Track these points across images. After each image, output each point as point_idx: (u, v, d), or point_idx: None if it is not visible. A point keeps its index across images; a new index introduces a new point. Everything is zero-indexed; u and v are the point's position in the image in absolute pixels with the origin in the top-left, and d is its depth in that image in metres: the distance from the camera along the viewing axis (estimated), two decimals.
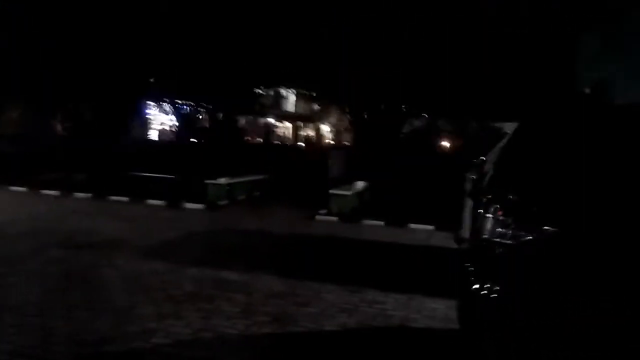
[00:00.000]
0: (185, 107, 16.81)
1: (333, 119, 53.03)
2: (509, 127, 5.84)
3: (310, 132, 48.29)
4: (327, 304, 5.04)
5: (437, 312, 4.89)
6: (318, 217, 10.38)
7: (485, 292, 3.33)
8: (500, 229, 3.43)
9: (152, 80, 18.81)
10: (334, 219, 10.25)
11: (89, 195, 11.83)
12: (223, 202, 11.62)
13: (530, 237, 3.23)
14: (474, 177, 5.86)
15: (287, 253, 7.34)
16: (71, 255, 6.55)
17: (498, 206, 3.51)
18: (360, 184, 12.19)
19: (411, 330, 4.46)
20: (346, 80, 15.17)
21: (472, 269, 3.84)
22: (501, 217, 3.44)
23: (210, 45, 15.43)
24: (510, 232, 3.33)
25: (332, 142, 43.13)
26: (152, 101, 25.97)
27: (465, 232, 5.80)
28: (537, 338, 3.14)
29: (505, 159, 4.49)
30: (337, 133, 49.11)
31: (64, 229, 8.15)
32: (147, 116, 31.23)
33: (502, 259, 3.38)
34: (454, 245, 8.26)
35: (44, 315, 4.47)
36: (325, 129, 50.97)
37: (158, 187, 12.35)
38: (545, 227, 3.28)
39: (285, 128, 47.26)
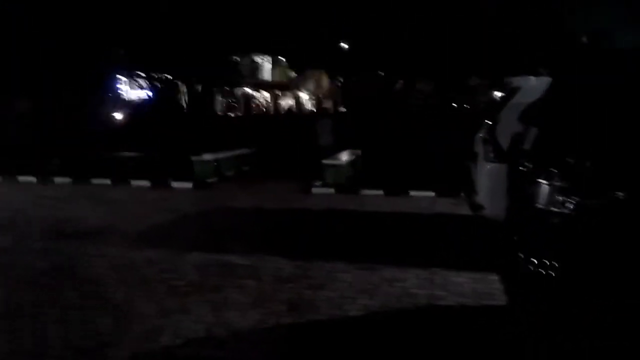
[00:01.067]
0: (160, 79, 15.93)
1: (311, 87, 52.18)
2: (523, 83, 5.44)
3: (289, 101, 47.43)
4: (344, 285, 4.67)
5: (464, 287, 4.56)
6: (314, 190, 9.96)
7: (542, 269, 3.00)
8: (558, 197, 3.08)
9: (121, 52, 17.82)
10: (331, 190, 9.85)
11: (69, 180, 11.16)
12: (212, 180, 11.09)
13: (598, 205, 2.88)
14: (487, 137, 5.48)
15: (290, 231, 6.93)
16: (58, 247, 6.03)
17: (555, 171, 3.15)
18: (352, 152, 11.77)
19: (442, 310, 4.13)
20: (333, 44, 14.52)
21: (522, 242, 3.51)
22: (559, 184, 3.07)
23: (182, 10, 14.54)
24: (572, 200, 2.98)
25: (313, 110, 42.38)
26: (124, 75, 24.89)
27: (484, 198, 5.45)
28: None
29: (552, 120, 4.09)
30: (317, 101, 48.37)
31: (46, 218, 7.59)
32: (119, 91, 30.07)
33: (563, 229, 3.03)
34: (463, 212, 7.99)
35: (34, 317, 4.01)
36: (304, 96, 50.11)
37: (141, 166, 11.72)
38: (617, 193, 2.91)
39: (263, 97, 46.26)
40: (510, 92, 5.59)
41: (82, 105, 16.17)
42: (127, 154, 12.24)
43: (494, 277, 4.77)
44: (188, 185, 10.59)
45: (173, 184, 10.64)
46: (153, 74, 15.85)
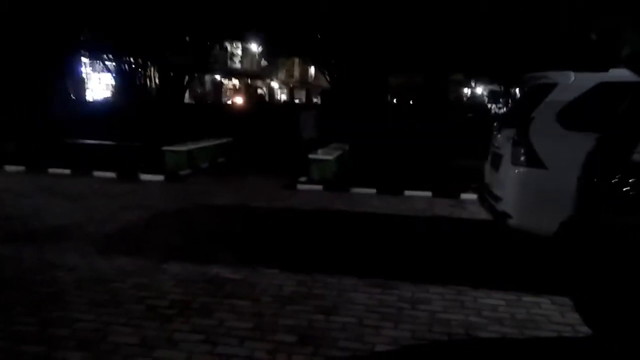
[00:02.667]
0: (126, 64, 14.68)
1: (283, 76, 51.05)
2: (561, 79, 4.81)
3: (260, 90, 46.24)
4: (360, 307, 3.94)
5: (500, 312, 3.91)
6: (299, 186, 9.18)
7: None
8: None
9: (86, 33, 16.45)
10: (318, 187, 9.09)
11: (22, 168, 9.99)
12: (185, 172, 10.15)
13: None
14: (517, 139, 4.83)
15: (281, 235, 6.14)
16: (7, 252, 5.06)
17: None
18: (338, 147, 11.05)
19: (486, 344, 3.46)
20: (322, 34, 13.68)
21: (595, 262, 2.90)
22: None
23: None
24: None
25: (285, 100, 41.39)
26: (88, 58, 23.27)
27: (512, 207, 4.81)
28: None
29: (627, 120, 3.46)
30: (289, 90, 47.31)
31: None
32: (82, 75, 28.27)
33: None
34: (465, 215, 7.39)
35: None
36: (275, 86, 48.98)
37: (105, 156, 10.66)
38: None
39: (233, 86, 44.94)
40: (541, 89, 4.95)
41: (41, 89, 14.81)
42: (89, 141, 11.14)
43: (530, 300, 4.15)
44: (159, 177, 9.62)
45: (142, 176, 9.64)
46: (121, 57, 14.56)
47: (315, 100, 40.95)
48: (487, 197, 5.60)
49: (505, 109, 42.93)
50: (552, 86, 4.78)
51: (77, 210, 6.98)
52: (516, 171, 4.78)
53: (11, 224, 6.15)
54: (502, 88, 46.40)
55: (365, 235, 6.13)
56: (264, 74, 47.31)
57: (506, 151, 5.06)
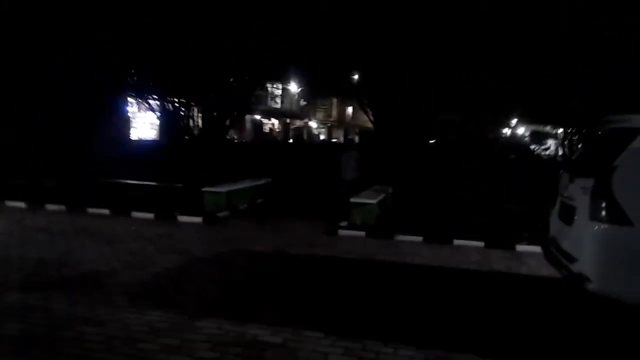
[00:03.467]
0: (171, 104, 14.83)
1: (320, 116, 51.49)
2: None
3: (300, 129, 46.62)
4: None
5: None
6: (341, 232, 8.72)
7: None
8: None
9: (132, 73, 16.87)
10: (361, 233, 8.60)
11: (63, 207, 9.95)
12: (223, 214, 9.87)
13: None
14: (598, 191, 4.26)
15: (323, 289, 5.65)
16: (37, 302, 4.77)
17: None
18: (380, 190, 10.60)
19: None
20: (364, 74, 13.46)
21: None
22: None
23: (196, 33, 13.55)
24: None
25: (323, 139, 41.45)
26: (133, 98, 23.92)
27: (593, 269, 4.20)
28: None
29: None
30: (327, 130, 47.49)
31: (29, 258, 6.34)
32: (127, 114, 29.08)
33: None
34: (524, 271, 6.70)
35: None
36: (313, 125, 49.34)
37: (145, 196, 10.55)
38: None
39: (272, 125, 45.52)
40: (621, 134, 4.41)
41: (87, 128, 15.12)
42: (130, 181, 11.09)
43: None
44: (197, 219, 9.36)
45: (180, 218, 9.41)
46: (165, 98, 14.73)
47: (350, 138, 40.77)
48: (556, 254, 4.99)
49: (557, 151, 41.60)
50: (636, 131, 4.23)
51: (113, 254, 6.73)
52: (596, 228, 4.19)
53: (45, 269, 5.92)
54: (554, 129, 45.09)
55: (418, 293, 5.57)
56: (303, 114, 47.83)
57: (582, 204, 4.49)
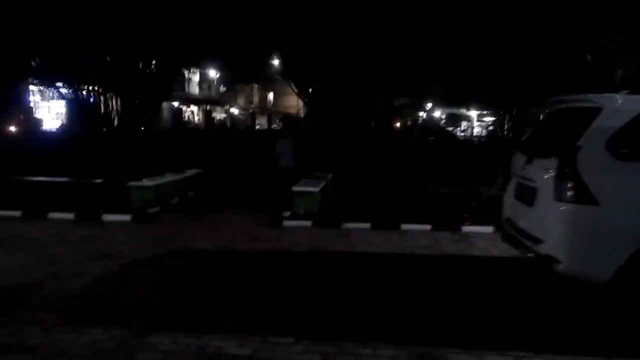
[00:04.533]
0: (79, 91, 13.48)
1: (242, 102, 50.30)
2: (605, 102, 4.28)
3: (220, 116, 45.31)
4: None
5: None
6: (285, 223, 8.34)
7: None
8: None
9: (34, 60, 15.18)
10: (306, 223, 8.28)
11: None
12: (153, 210, 9.10)
13: None
14: (563, 171, 4.23)
15: (281, 287, 5.26)
16: None
17: None
18: (319, 176, 10.34)
19: None
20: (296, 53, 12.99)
21: None
22: None
23: (108, 14, 12.37)
24: None
25: (248, 126, 40.49)
26: (36, 85, 21.76)
27: (561, 250, 4.17)
28: None
29: None
30: (250, 116, 46.53)
31: None
32: (30, 104, 26.46)
33: None
34: (476, 252, 6.72)
35: None
36: (235, 112, 48.11)
37: (61, 194, 9.47)
38: None
39: (191, 112, 43.80)
40: (579, 114, 4.41)
41: None
42: (41, 178, 9.92)
43: None
44: (125, 217, 8.53)
45: (105, 217, 8.53)
46: (78, 85, 13.35)
47: (274, 125, 40.22)
48: (516, 235, 4.98)
49: (471, 132, 43.70)
50: (596, 111, 4.23)
51: (33, 263, 5.87)
52: (563, 208, 4.17)
53: None
54: (468, 111, 47.30)
55: (380, 284, 5.35)
56: (223, 100, 46.46)
57: (544, 184, 4.45)
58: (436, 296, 4.94)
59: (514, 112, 10.89)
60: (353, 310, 4.54)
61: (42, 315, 4.28)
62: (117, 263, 5.96)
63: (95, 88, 12.30)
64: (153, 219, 8.67)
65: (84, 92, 12.37)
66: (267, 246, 6.92)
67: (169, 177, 10.34)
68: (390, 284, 5.34)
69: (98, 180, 9.86)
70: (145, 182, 9.47)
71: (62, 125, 23.92)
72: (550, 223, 4.28)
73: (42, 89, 20.87)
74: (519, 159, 5.26)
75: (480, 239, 7.39)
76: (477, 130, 45.19)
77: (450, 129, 42.86)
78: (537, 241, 4.46)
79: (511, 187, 5.47)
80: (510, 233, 5.22)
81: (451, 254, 6.54)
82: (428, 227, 7.92)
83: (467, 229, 7.90)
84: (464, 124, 47.80)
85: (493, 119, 42.91)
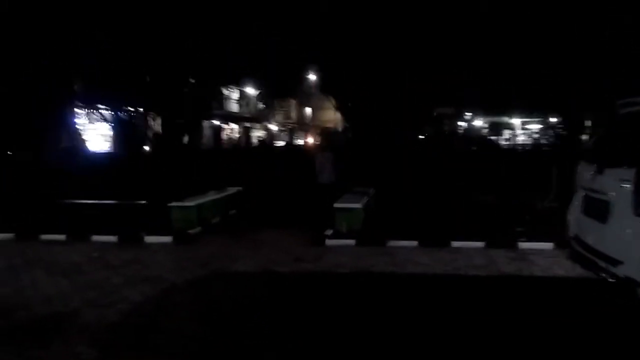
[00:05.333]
0: (126, 113, 13.72)
1: (280, 118, 50.67)
2: None
3: (259, 133, 45.72)
4: None
5: None
6: (328, 242, 8.01)
7: None
8: None
9: (77, 84, 15.65)
10: (350, 241, 7.92)
11: (11, 235, 8.76)
12: (195, 230, 8.96)
13: None
14: None
15: (325, 314, 4.91)
16: None
17: None
18: (362, 192, 9.97)
19: None
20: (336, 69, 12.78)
21: None
22: None
23: (146, 36, 12.54)
24: None
25: (284, 142, 40.65)
26: (81, 108, 22.47)
27: None
28: None
29: None
30: (289, 133, 46.74)
31: None
32: (76, 127, 27.34)
33: None
34: (539, 272, 6.12)
35: None
36: (273, 129, 48.47)
37: (105, 216, 9.49)
38: None
39: (230, 130, 44.37)
40: None
41: (32, 143, 13.83)
42: (86, 201, 10.00)
43: None
44: (166, 239, 8.41)
45: (147, 239, 8.44)
46: (119, 107, 13.61)
47: (331, 136, 40.08)
48: (587, 255, 4.46)
49: (514, 140, 42.28)
50: None
51: (72, 289, 5.77)
52: None
53: None
54: (511, 119, 45.81)
55: (433, 310, 4.92)
56: (262, 117, 46.86)
57: (620, 198, 3.96)
58: (499, 325, 4.46)
59: (566, 117, 10.19)
60: (407, 342, 4.13)
61: (77, 348, 4.09)
62: (157, 288, 5.78)
63: (136, 109, 12.46)
64: (194, 240, 8.53)
65: (125, 114, 12.53)
66: (309, 267, 6.60)
67: (210, 197, 10.22)
68: (444, 311, 4.90)
69: (141, 202, 9.84)
70: (187, 202, 9.37)
71: (110, 147, 24.59)
72: (630, 242, 3.78)
73: (87, 111, 21.45)
74: (585, 170, 4.76)
75: (540, 256, 6.82)
76: (521, 139, 43.64)
77: (493, 138, 41.60)
78: (615, 262, 3.96)
79: (577, 201, 4.96)
80: (580, 252, 4.70)
81: (509, 275, 6.03)
82: (481, 244, 7.40)
83: (524, 245, 7.34)
84: (507, 133, 46.26)
85: (540, 126, 41.42)
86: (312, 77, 40.55)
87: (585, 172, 4.74)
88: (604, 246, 4.20)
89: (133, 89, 12.47)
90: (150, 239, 8.41)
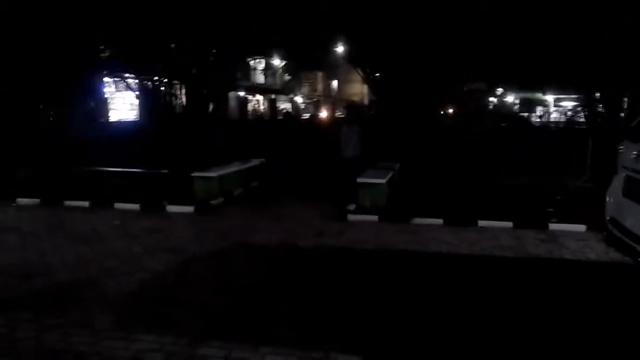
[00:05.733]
0: (150, 81, 13.62)
1: (306, 90, 50.21)
2: None
3: (284, 105, 45.48)
4: None
5: None
6: (350, 217, 7.84)
7: None
8: None
9: (106, 52, 15.58)
10: (373, 217, 7.73)
11: (36, 200, 8.89)
12: (217, 201, 8.91)
13: None
14: None
15: (346, 290, 4.77)
16: None
17: None
18: (386, 167, 9.72)
19: None
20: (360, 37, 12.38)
21: None
22: None
23: (172, 5, 12.32)
24: None
25: (310, 115, 40.31)
26: (110, 77, 22.56)
27: None
28: None
29: None
30: (315, 105, 46.37)
31: None
32: (104, 95, 27.58)
33: None
34: (569, 255, 5.81)
35: None
36: (299, 101, 48.13)
37: (129, 185, 9.53)
38: None
39: (256, 102, 44.23)
40: None
41: (60, 111, 13.93)
42: (110, 169, 10.03)
43: None
44: (188, 209, 8.39)
45: (169, 208, 8.44)
46: (144, 76, 13.50)
47: (339, 114, 39.65)
48: (628, 241, 4.17)
49: (547, 117, 40.98)
50: None
51: (93, 257, 5.78)
52: None
53: (9, 280, 4.95)
54: (544, 95, 44.33)
55: (459, 293, 4.72)
56: (288, 89, 46.50)
57: None
58: (526, 312, 4.24)
59: (602, 94, 9.59)
60: (431, 324, 3.97)
61: (94, 317, 4.06)
62: (177, 258, 5.73)
63: (161, 78, 12.34)
64: (216, 211, 8.48)
65: (150, 83, 12.44)
66: (330, 242, 6.46)
67: (232, 168, 10.13)
68: (470, 293, 4.69)
69: (164, 171, 9.83)
70: (209, 172, 9.30)
71: (136, 116, 24.78)
72: None
73: (114, 80, 21.49)
74: (629, 149, 4.41)
75: (571, 239, 6.51)
76: (554, 116, 42.21)
77: (524, 114, 40.35)
78: None
79: (617, 182, 4.63)
80: (617, 236, 4.41)
81: (538, 257, 5.76)
82: (509, 224, 7.12)
83: (554, 227, 7.02)
84: (539, 109, 44.78)
85: (574, 103, 39.93)
86: (339, 48, 39.90)
87: (629, 152, 4.40)
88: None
89: (157, 57, 12.33)
90: (172, 208, 8.40)
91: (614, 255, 5.62)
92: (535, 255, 5.82)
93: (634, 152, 4.22)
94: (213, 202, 8.80)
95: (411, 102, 11.19)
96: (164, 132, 12.57)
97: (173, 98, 13.09)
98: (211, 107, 13.01)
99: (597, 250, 5.94)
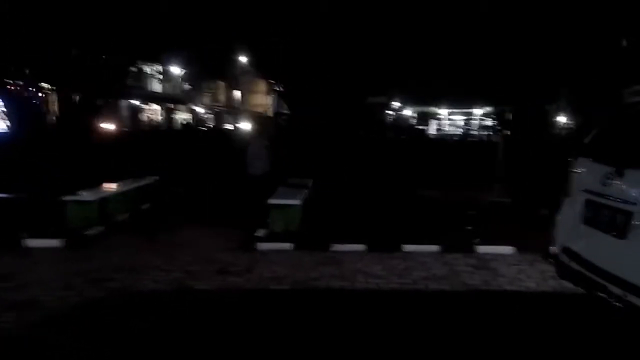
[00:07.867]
0: (17, 85, 11.50)
1: (207, 100, 48.13)
2: None
3: (184, 116, 43.14)
4: None
5: None
6: (260, 245, 6.70)
7: None
8: None
9: None
10: (287, 245, 6.66)
11: None
12: (94, 231, 7.32)
13: None
14: None
15: (259, 354, 3.66)
16: None
17: None
18: (298, 185, 8.77)
19: None
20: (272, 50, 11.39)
21: None
22: None
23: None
24: None
25: (211, 126, 38.36)
26: None
27: None
28: None
29: None
30: (216, 116, 44.45)
31: None
32: None
33: None
34: (508, 285, 5.18)
35: None
36: (200, 111, 45.92)
37: None
38: None
39: (152, 112, 41.40)
40: None
41: None
42: None
43: None
44: (56, 242, 6.71)
45: (28, 242, 6.70)
46: (6, 79, 11.34)
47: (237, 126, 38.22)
48: (591, 277, 3.54)
49: (440, 130, 42.92)
50: None
51: None
52: None
53: None
54: (438, 109, 46.40)
55: (399, 342, 3.80)
56: (188, 99, 44.19)
57: None
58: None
59: (518, 108, 9.57)
60: None
61: None
62: (25, 319, 4.23)
63: (28, 81, 10.37)
64: (93, 243, 6.90)
65: (13, 87, 10.41)
66: (238, 282, 5.29)
67: (117, 188, 8.55)
68: (412, 342, 3.80)
69: (21, 195, 7.97)
70: (85, 195, 7.67)
71: (7, 127, 21.52)
72: None
73: None
74: (591, 170, 3.81)
75: (502, 263, 5.98)
76: (447, 129, 44.48)
77: (421, 127, 41.92)
78: (633, 288, 3.03)
79: (571, 207, 4.03)
80: (576, 269, 3.78)
81: (477, 290, 5.06)
82: (435, 247, 6.45)
83: (481, 249, 6.48)
84: (435, 123, 46.88)
85: (465, 117, 42.26)
86: (243, 59, 38.52)
87: (589, 173, 3.81)
88: (618, 268, 3.27)
89: (19, 54, 10.35)
90: (33, 242, 6.68)
91: (553, 282, 5.13)
92: (473, 288, 5.13)
93: (599, 174, 3.61)
94: (89, 232, 7.21)
95: (322, 113, 10.39)
96: (33, 146, 10.55)
97: (44, 105, 11.12)
98: (90, 116, 11.22)
99: (534, 278, 5.43)
